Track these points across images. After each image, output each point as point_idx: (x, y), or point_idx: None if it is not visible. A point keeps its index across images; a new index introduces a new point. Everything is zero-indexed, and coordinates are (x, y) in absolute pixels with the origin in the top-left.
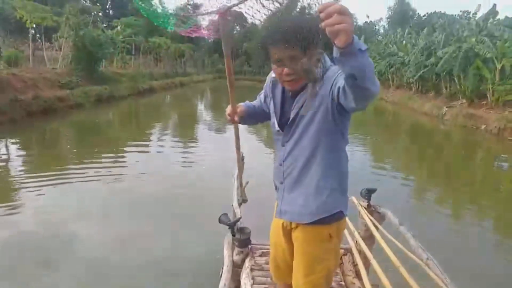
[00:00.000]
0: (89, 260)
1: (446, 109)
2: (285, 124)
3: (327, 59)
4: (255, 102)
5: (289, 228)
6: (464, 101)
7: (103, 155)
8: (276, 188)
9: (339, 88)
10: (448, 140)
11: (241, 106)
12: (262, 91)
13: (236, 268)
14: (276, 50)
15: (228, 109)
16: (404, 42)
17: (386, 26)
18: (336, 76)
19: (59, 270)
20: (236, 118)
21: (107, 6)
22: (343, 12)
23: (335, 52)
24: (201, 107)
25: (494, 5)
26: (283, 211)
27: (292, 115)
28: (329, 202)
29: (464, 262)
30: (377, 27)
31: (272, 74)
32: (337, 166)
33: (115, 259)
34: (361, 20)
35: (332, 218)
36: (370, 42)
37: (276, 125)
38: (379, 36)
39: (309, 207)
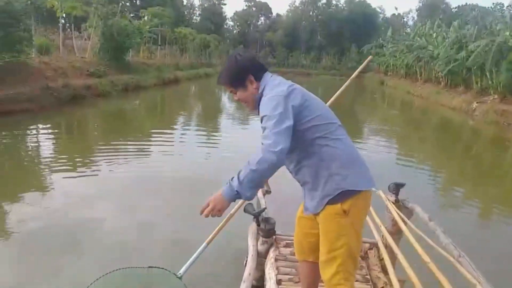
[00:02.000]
0: (112, 244)
1: (476, 104)
2: None
3: (263, 84)
4: None
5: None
6: (496, 96)
7: (129, 141)
8: None
9: None
10: (478, 136)
11: None
12: None
13: (261, 257)
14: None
15: None
16: (434, 35)
17: (416, 18)
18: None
19: (84, 255)
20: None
21: None
22: (207, 204)
23: None
24: (224, 98)
25: None
26: (304, 207)
27: None
28: (328, 188)
29: (496, 260)
30: (405, 19)
31: None
32: (327, 158)
33: (138, 242)
34: (389, 12)
35: (338, 198)
36: (398, 34)
37: None
38: (408, 29)
39: (316, 199)
